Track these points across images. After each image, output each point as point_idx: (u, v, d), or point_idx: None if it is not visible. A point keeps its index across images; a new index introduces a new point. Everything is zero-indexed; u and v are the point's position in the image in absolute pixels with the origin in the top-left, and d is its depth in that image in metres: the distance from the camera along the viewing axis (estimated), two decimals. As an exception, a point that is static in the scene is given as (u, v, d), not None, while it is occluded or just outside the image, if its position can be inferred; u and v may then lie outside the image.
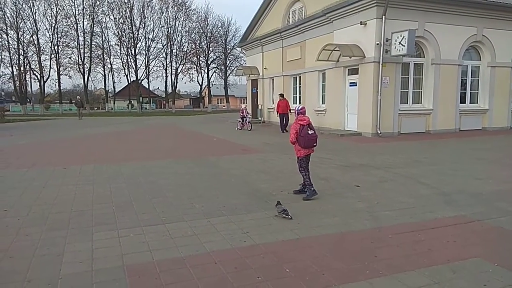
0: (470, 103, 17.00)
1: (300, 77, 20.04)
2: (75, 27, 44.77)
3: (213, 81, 55.52)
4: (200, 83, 54.14)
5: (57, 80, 45.74)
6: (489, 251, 3.85)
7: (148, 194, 6.20)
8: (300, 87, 20.21)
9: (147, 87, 55.07)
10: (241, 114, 19.49)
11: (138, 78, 47.99)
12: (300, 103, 20.20)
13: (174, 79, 50.44)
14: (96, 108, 58.99)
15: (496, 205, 5.49)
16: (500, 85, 16.97)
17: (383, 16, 13.74)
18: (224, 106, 60.21)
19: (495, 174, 7.65)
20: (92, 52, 46.35)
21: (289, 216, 4.91)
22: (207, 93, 56.31)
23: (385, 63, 14.10)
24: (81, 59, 45.73)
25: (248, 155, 10.66)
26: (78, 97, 35.36)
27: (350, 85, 15.94)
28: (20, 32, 42.06)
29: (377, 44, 13.93)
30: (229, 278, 3.28)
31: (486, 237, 4.28)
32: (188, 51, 49.87)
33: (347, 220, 4.87)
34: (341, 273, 3.39)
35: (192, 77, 52.35)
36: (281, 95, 18.51)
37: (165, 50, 48.17)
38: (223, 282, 3.23)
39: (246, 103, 27.82)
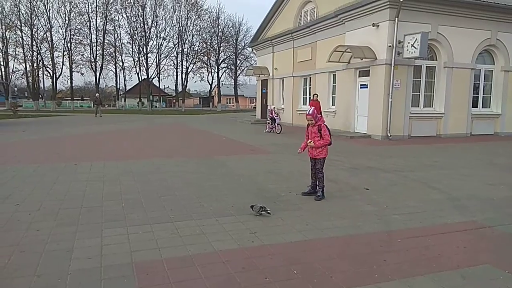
0: (482, 107, 16.82)
1: (310, 78, 20.02)
2: (88, 24, 45.37)
3: (223, 81, 55.80)
4: (210, 83, 54.40)
5: (69, 77, 46.32)
6: (499, 258, 3.80)
7: (157, 192, 6.23)
8: (310, 88, 20.17)
9: (158, 85, 55.43)
10: (270, 115, 17.99)
11: (149, 77, 48.39)
12: (308, 104, 20.18)
13: (185, 78, 50.76)
14: (106, 106, 59.49)
15: (508, 211, 5.41)
16: (514, 89, 16.74)
17: (396, 18, 13.67)
18: (233, 105, 60.43)
19: (507, 180, 7.54)
20: (104, 50, 46.87)
21: (268, 210, 4.97)
22: (216, 92, 56.52)
23: (397, 65, 14.03)
24: (93, 56, 46.29)
25: (256, 155, 10.67)
26: (97, 94, 35.52)
27: (360, 87, 15.88)
28: (34, 29, 42.70)
29: (389, 46, 13.85)
30: (236, 278, 3.29)
31: (496, 244, 4.23)
32: (199, 50, 50.19)
33: (355, 222, 4.84)
34: (349, 276, 3.37)
35: (203, 76, 52.67)
36: (316, 95, 16.97)
37: (176, 49, 48.54)
38: (231, 281, 3.23)
39: (255, 102, 27.28)
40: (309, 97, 20.33)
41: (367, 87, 15.33)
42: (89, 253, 3.78)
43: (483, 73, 16.56)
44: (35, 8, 42.27)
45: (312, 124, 5.96)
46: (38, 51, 43.79)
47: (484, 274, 3.44)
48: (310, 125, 6.02)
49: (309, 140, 5.94)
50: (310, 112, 5.93)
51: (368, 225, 4.77)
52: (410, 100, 14.77)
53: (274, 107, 18.92)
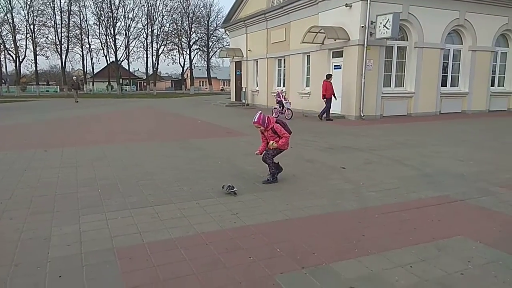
0: (451, 86, 17.31)
1: (284, 59, 19.96)
2: (52, 5, 43.30)
3: (195, 63, 54.89)
4: (182, 65, 53.38)
5: (33, 61, 44.30)
6: (472, 230, 3.97)
7: (134, 177, 6.12)
8: (284, 69, 20.14)
9: (127, 68, 53.95)
10: (278, 98, 15.63)
11: (118, 59, 46.93)
12: (284, 86, 20.17)
13: (155, 61, 49.60)
14: (70, 90, 57.46)
15: (477, 185, 5.65)
16: (480, 69, 17.31)
17: (368, -1, 13.71)
18: (206, 88, 59.74)
19: (476, 156, 7.86)
20: (70, 32, 45.10)
21: (234, 190, 5.06)
22: (189, 75, 55.59)
23: (370, 46, 14.16)
24: (58, 39, 44.37)
25: (233, 137, 10.64)
26: (74, 77, 33.70)
27: (334, 68, 15.98)
28: (-7, 10, 40.33)
29: (362, 26, 13.95)
30: (221, 259, 3.30)
31: (468, 216, 4.42)
32: (169, 31, 48.95)
33: (334, 201, 4.94)
34: (331, 252, 3.45)
35: (174, 59, 51.65)
36: (329, 75, 14.80)
37: (146, 30, 47.32)
38: (215, 262, 3.24)
39: (228, 84, 26.07)
40: (284, 79, 20.31)
41: (340, 68, 15.46)
42: (68, 240, 3.69)
43: (451, 52, 17.01)
44: (-7, -12, 39.87)
45: (262, 130, 5.78)
46: (-2, 34, 41.55)
47: (457, 245, 3.59)
48: (262, 132, 5.83)
49: (271, 142, 5.69)
50: (256, 119, 5.67)
51: (346, 202, 4.87)
52: (382, 80, 15.02)
53: (282, 90, 16.35)
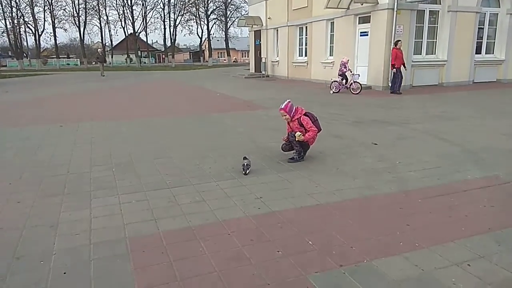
0: (485, 53, 16.11)
1: (306, 27, 18.97)
2: (68, -24, 42.54)
3: (213, 34, 53.58)
4: (200, 36, 52.37)
5: (52, 34, 44.22)
6: (533, 218, 3.43)
7: (150, 154, 5.75)
8: (306, 38, 19.20)
9: (145, 40, 53.34)
10: (343, 69, 13.43)
11: (136, 31, 46.34)
12: (306, 55, 19.30)
13: (173, 31, 48.72)
14: (94, 63, 57.58)
15: (529, 164, 5.04)
16: (519, 34, 15.98)
17: (399, -43, 12.61)
18: (225, 60, 58.62)
19: (521, 130, 7.15)
20: (87, 3, 44.43)
21: (244, 172, 4.68)
22: (207, 46, 54.56)
23: (400, 10, 13.13)
24: (75, 10, 43.95)
25: (254, 111, 10.13)
26: (99, 49, 33.35)
27: (360, 35, 15.02)
28: (10, -18, 40.03)
29: (392, -12, 12.89)
30: (245, 253, 2.89)
31: (526, 201, 3.86)
32: (186, 1, 47.66)
33: (369, 182, 4.43)
34: (372, 245, 2.98)
35: (192, 29, 50.75)
36: (399, 41, 12.89)
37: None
38: (239, 257, 2.83)
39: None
40: (305, 48, 19.40)
41: (367, 35, 14.50)
42: (77, 228, 3.35)
43: (487, 17, 15.69)
44: (9, -41, 39.41)
45: (288, 120, 5.26)
46: (17, 7, 41.44)
47: (520, 238, 3.07)
48: (288, 122, 5.32)
49: (298, 133, 5.10)
50: (283, 106, 5.18)
51: (382, 184, 4.36)
52: (412, 47, 14.04)
53: (348, 60, 13.84)
